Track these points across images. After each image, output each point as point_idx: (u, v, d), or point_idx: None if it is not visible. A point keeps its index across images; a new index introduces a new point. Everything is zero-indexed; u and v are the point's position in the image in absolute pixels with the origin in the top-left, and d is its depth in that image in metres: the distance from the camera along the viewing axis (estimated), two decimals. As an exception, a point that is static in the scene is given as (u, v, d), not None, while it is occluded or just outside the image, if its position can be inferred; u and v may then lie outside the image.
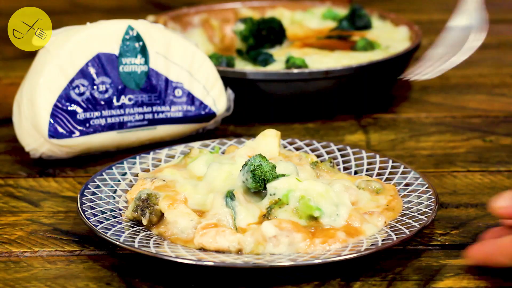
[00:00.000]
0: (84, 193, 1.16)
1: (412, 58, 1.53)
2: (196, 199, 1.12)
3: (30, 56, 1.37)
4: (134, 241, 1.05)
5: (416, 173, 1.19)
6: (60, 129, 1.29)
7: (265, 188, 1.10)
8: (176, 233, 1.08)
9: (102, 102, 1.31)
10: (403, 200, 1.15)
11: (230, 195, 1.08)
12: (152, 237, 1.08)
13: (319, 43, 1.60)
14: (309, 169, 1.17)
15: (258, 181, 1.09)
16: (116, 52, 1.32)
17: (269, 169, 1.10)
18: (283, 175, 1.10)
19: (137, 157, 1.26)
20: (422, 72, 1.18)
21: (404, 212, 1.12)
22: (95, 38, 1.31)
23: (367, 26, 1.67)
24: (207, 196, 1.11)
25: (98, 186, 1.18)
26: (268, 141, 1.19)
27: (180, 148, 1.29)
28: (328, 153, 1.27)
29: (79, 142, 1.30)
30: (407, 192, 1.16)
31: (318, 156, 1.25)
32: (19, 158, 1.36)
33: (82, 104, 1.30)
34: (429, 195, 1.14)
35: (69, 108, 1.30)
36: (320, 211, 1.07)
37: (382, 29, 1.67)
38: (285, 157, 1.19)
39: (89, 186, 1.18)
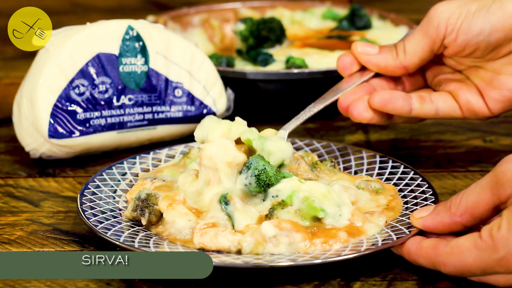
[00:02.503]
0: (84, 193, 1.16)
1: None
2: (193, 195, 1.12)
3: (30, 56, 1.37)
4: (134, 241, 1.05)
5: (416, 173, 1.19)
6: (60, 129, 1.29)
7: (266, 191, 1.10)
8: (174, 233, 1.08)
9: (102, 102, 1.31)
10: (403, 200, 1.15)
11: (225, 200, 1.08)
12: (152, 237, 1.08)
13: (319, 43, 1.60)
14: (307, 170, 1.17)
15: (263, 186, 1.09)
16: (116, 52, 1.32)
17: (274, 173, 1.09)
18: (284, 176, 1.10)
19: (137, 157, 1.26)
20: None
21: (404, 212, 1.12)
22: (95, 38, 1.31)
23: (367, 26, 1.67)
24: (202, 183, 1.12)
25: (98, 186, 1.18)
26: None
27: (180, 148, 1.29)
28: (328, 153, 1.27)
29: (79, 142, 1.30)
30: (407, 192, 1.16)
31: (318, 156, 1.25)
32: (19, 158, 1.36)
33: (82, 104, 1.30)
34: (429, 195, 1.14)
35: (69, 108, 1.30)
36: (324, 212, 1.07)
37: (382, 29, 1.67)
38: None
39: (89, 186, 1.18)
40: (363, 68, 1.24)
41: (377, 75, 1.24)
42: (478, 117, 1.22)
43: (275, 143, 1.12)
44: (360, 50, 1.23)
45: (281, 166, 1.13)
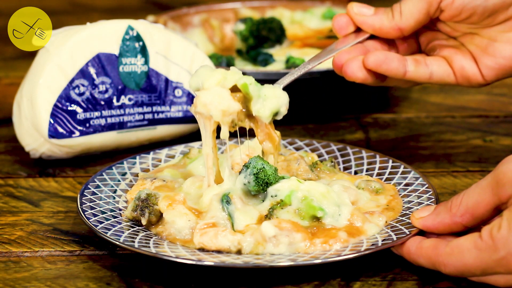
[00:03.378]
0: (84, 193, 1.16)
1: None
2: (194, 197, 1.12)
3: (30, 56, 1.37)
4: (134, 241, 1.05)
5: (416, 173, 1.19)
6: (60, 129, 1.29)
7: (265, 190, 1.10)
8: (173, 233, 1.08)
9: (102, 102, 1.31)
10: (403, 200, 1.15)
11: (226, 199, 1.08)
12: (152, 237, 1.08)
13: (319, 43, 1.60)
14: (307, 170, 1.17)
15: (261, 185, 1.09)
16: (116, 52, 1.32)
17: (272, 172, 1.09)
18: (283, 177, 1.10)
19: (137, 157, 1.26)
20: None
21: (404, 212, 1.12)
22: (95, 38, 1.31)
23: (367, 26, 1.67)
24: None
25: (98, 186, 1.18)
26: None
27: (180, 148, 1.29)
28: (328, 153, 1.27)
29: (79, 142, 1.30)
30: (407, 192, 1.16)
31: (318, 156, 1.25)
32: (19, 158, 1.36)
33: (82, 104, 1.30)
34: (429, 195, 1.14)
35: (69, 108, 1.30)
36: (323, 211, 1.07)
37: (382, 29, 1.67)
38: (284, 160, 1.19)
39: (89, 186, 1.18)
40: (358, 30, 1.23)
41: (372, 37, 1.23)
42: (471, 84, 1.21)
43: (271, 89, 1.12)
44: (356, 11, 1.22)
45: (276, 114, 1.12)
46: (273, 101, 1.11)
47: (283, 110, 1.12)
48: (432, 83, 1.21)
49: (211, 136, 1.12)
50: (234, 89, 1.11)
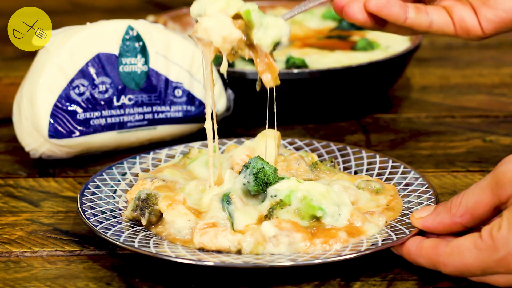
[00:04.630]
0: (84, 193, 1.16)
1: (412, 58, 1.53)
2: (195, 199, 1.12)
3: (30, 56, 1.37)
4: (134, 241, 1.05)
5: (416, 173, 1.19)
6: (60, 129, 1.29)
7: (264, 190, 1.10)
8: (173, 233, 1.08)
9: (102, 102, 1.31)
10: (403, 200, 1.15)
11: (227, 199, 1.08)
12: (152, 237, 1.08)
13: (319, 43, 1.60)
14: (307, 170, 1.17)
15: (261, 185, 1.09)
16: (116, 52, 1.32)
17: (272, 172, 1.09)
18: (283, 178, 1.10)
19: (137, 157, 1.26)
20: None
21: (404, 212, 1.12)
22: (95, 38, 1.31)
23: (367, 26, 1.67)
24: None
25: (98, 186, 1.18)
26: (266, 141, 1.19)
27: (180, 148, 1.29)
28: (328, 153, 1.27)
29: (79, 142, 1.30)
30: (407, 192, 1.16)
31: (318, 156, 1.25)
32: (19, 158, 1.36)
33: (82, 104, 1.30)
34: (429, 195, 1.14)
35: (69, 108, 1.30)
36: (322, 211, 1.07)
37: (382, 29, 1.67)
38: (284, 160, 1.19)
39: (89, 186, 1.18)
40: None
41: None
42: (470, 36, 1.20)
43: (274, 19, 1.10)
44: None
45: (277, 44, 1.11)
46: (275, 30, 1.10)
47: (285, 40, 1.11)
48: (431, 32, 1.20)
49: (210, 65, 1.11)
50: (236, 18, 1.10)
